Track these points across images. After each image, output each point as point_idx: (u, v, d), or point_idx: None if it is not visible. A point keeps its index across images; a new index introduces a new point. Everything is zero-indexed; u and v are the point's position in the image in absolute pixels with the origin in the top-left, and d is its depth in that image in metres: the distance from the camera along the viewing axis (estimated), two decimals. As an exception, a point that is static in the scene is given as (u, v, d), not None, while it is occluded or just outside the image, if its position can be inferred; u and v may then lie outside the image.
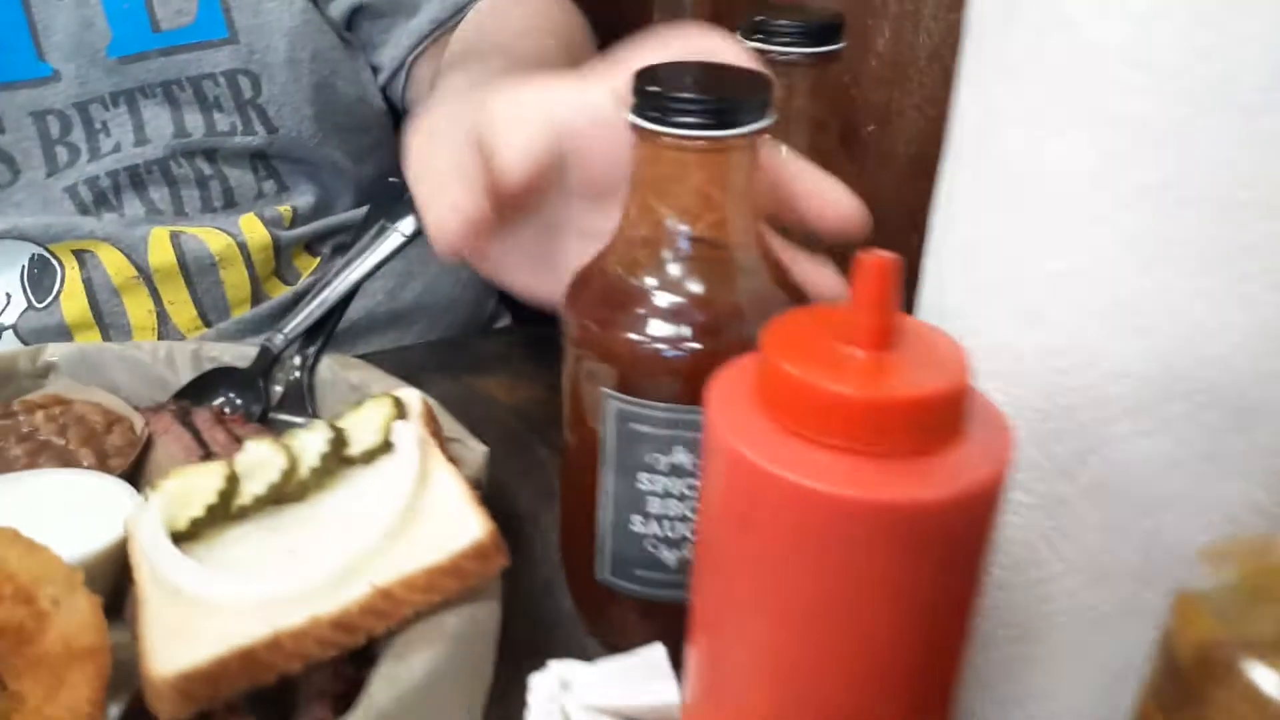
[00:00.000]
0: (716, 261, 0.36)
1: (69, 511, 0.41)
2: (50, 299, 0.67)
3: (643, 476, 0.37)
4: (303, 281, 0.73)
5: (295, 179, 0.73)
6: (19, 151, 0.66)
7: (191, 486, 0.39)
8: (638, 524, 0.38)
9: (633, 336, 0.35)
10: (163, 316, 0.69)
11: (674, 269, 0.35)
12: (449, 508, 0.38)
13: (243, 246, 0.70)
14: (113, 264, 0.68)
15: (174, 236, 0.69)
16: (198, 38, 0.68)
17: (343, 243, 0.76)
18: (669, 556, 0.38)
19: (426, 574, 0.35)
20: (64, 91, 0.66)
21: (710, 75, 0.36)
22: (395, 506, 0.38)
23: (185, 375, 0.55)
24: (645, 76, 0.35)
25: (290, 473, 0.39)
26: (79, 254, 0.67)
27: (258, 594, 0.34)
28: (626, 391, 0.36)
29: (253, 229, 0.71)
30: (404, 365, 0.55)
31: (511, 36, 0.66)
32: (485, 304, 0.84)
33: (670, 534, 0.37)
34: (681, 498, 0.37)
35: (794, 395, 0.25)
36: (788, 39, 0.46)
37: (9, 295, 0.67)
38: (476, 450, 0.46)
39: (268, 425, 0.53)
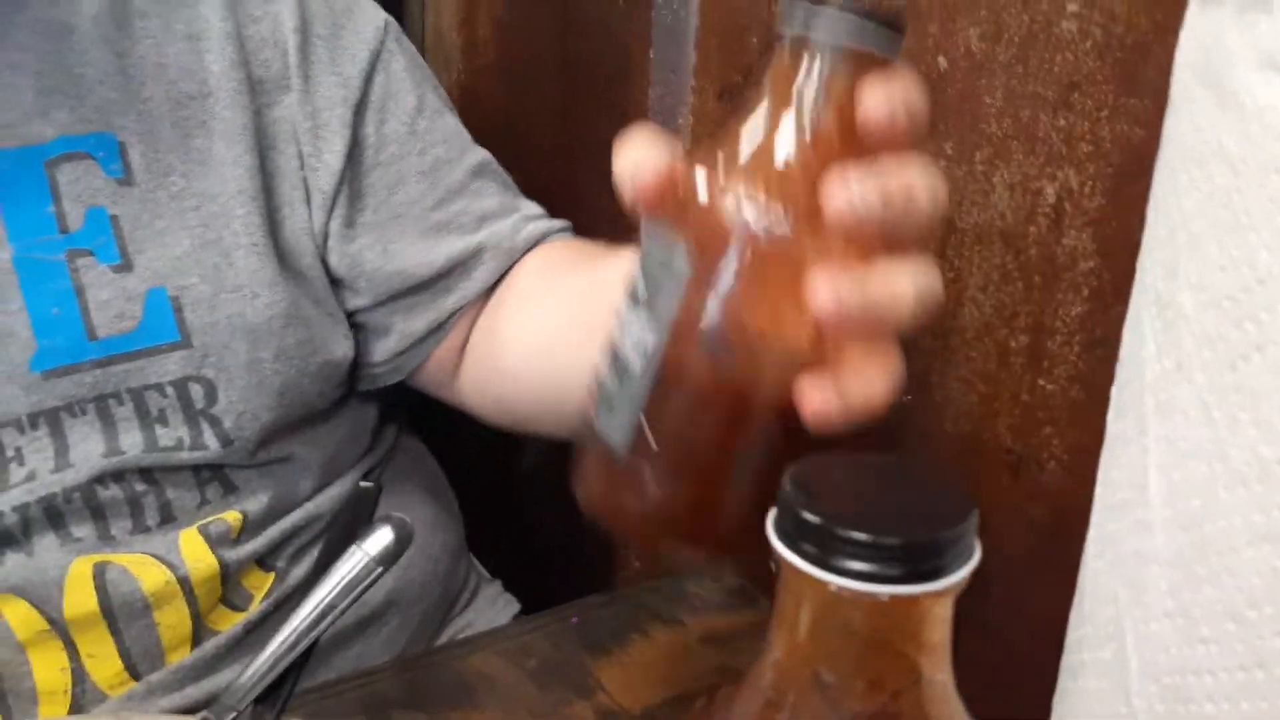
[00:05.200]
0: None
1: None
2: None
3: None
4: (255, 608, 0.62)
5: (246, 480, 0.63)
6: None
7: None
8: None
9: None
10: (79, 674, 0.57)
11: None
12: None
13: (183, 581, 0.59)
14: (16, 616, 0.56)
15: (97, 572, 0.57)
16: (143, 344, 0.58)
17: (304, 546, 0.65)
18: None
19: None
20: None
21: (891, 490, 0.27)
22: None
23: (102, 767, 0.44)
24: (799, 491, 0.25)
25: None
26: None
27: None
28: None
29: (195, 554, 0.60)
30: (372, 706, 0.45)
31: None
32: (457, 574, 0.75)
33: None
34: None
35: None
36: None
37: None
38: None
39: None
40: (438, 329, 0.67)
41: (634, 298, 0.35)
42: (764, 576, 0.66)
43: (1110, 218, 0.44)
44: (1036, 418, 0.48)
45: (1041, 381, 0.48)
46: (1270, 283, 0.23)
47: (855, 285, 0.33)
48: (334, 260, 0.65)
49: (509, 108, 0.89)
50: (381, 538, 0.47)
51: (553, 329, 0.63)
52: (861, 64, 0.32)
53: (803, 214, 0.32)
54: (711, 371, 0.33)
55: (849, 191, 0.32)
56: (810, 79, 0.32)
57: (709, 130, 0.69)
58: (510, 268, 0.67)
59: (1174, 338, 0.25)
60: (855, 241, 0.32)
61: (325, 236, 0.64)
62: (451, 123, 0.69)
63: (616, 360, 0.36)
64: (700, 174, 0.33)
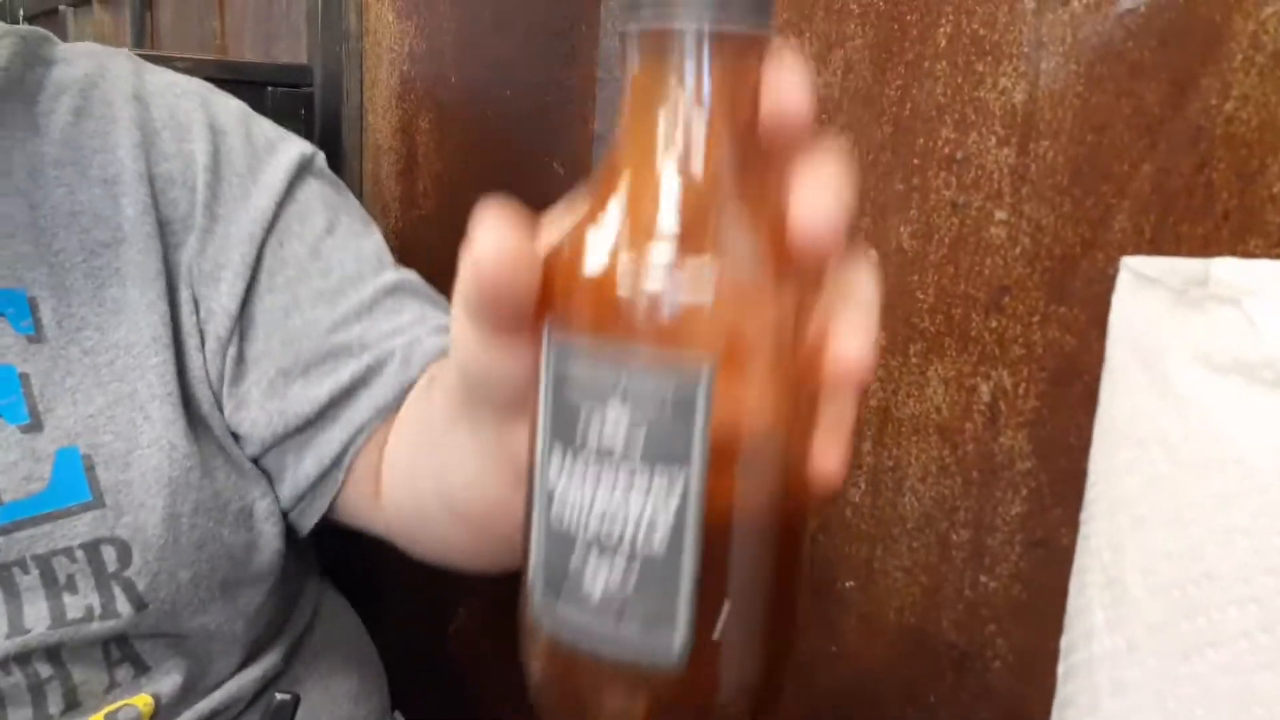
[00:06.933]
0: None
1: None
2: None
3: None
4: (166, 813, 0.58)
5: (159, 657, 0.59)
6: None
7: None
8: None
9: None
10: None
11: None
12: None
13: (84, 788, 0.54)
14: None
15: (-10, 771, 0.53)
16: (51, 506, 0.55)
17: (220, 732, 0.61)
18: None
19: None
20: None
21: None
22: None
23: None
24: None
25: None
26: None
27: None
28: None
29: (100, 751, 0.56)
30: None
31: None
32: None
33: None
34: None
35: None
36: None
37: None
38: None
39: None
40: (333, 466, 0.60)
41: (598, 455, 0.25)
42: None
43: (1045, 420, 0.44)
44: (980, 615, 0.48)
45: (984, 578, 0.47)
46: (1219, 580, 0.22)
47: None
48: (227, 409, 0.60)
49: (449, 258, 0.89)
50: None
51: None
52: (740, 49, 0.25)
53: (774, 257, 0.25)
54: (763, 491, 0.25)
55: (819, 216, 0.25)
56: (685, 85, 0.25)
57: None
58: (419, 378, 0.58)
59: (1123, 616, 0.25)
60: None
61: (221, 381, 0.60)
62: (369, 245, 0.63)
63: (606, 550, 0.25)
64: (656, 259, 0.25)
